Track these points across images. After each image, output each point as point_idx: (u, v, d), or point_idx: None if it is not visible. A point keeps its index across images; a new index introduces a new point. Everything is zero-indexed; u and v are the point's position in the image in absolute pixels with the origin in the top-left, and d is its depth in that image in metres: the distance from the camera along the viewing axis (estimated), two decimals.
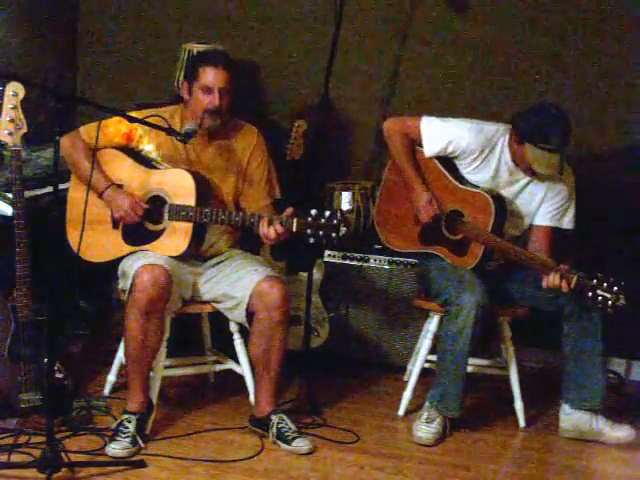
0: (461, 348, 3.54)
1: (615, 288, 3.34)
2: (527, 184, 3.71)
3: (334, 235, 3.23)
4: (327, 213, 3.24)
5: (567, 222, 3.75)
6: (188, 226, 3.48)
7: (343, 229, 3.23)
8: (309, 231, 3.26)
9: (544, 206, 3.71)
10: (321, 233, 3.24)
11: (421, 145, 3.75)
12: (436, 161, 3.75)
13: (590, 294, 3.37)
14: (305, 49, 4.64)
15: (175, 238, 3.50)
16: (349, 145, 4.61)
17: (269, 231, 3.33)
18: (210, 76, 3.50)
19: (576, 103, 4.31)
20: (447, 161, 3.75)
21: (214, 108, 3.50)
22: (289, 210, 3.33)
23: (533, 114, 3.56)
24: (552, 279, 3.44)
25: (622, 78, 4.31)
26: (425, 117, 3.74)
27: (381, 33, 4.56)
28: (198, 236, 3.53)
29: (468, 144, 3.66)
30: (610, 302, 3.34)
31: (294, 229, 3.29)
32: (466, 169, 3.72)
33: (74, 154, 3.58)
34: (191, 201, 3.46)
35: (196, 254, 3.61)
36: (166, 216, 3.51)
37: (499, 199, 3.65)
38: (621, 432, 3.60)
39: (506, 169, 3.69)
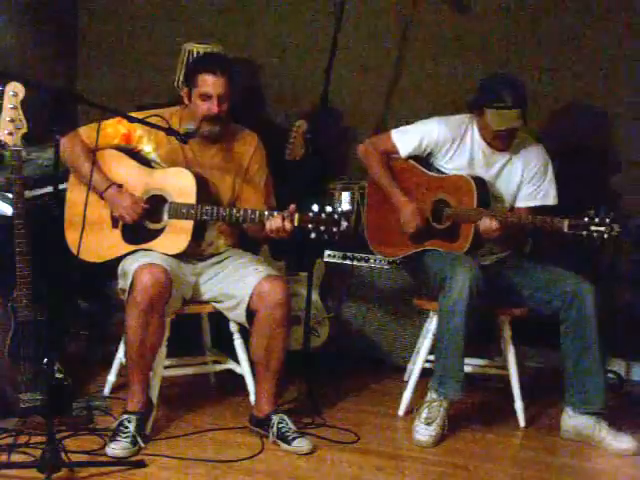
0: (457, 324, 3.53)
1: (607, 220, 3.39)
2: (504, 165, 3.79)
3: (335, 230, 3.27)
4: (328, 208, 3.27)
5: (551, 198, 3.82)
6: (188, 224, 3.49)
7: (344, 224, 3.26)
8: (310, 226, 3.29)
9: (525, 187, 3.80)
10: (322, 228, 3.28)
11: (397, 153, 3.85)
12: (412, 161, 3.85)
13: (585, 233, 3.41)
14: (305, 49, 4.64)
15: (175, 236, 3.51)
16: (349, 145, 4.61)
17: (270, 224, 3.35)
18: (208, 83, 3.51)
19: (577, 100, 4.33)
20: (424, 160, 3.85)
21: (213, 115, 3.52)
22: (292, 206, 3.35)
23: (484, 84, 3.73)
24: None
25: (626, 76, 4.32)
26: (394, 129, 3.89)
27: (381, 33, 4.57)
28: (198, 234, 3.53)
29: (439, 134, 3.77)
30: (606, 235, 3.39)
31: (296, 223, 3.32)
32: (442, 160, 3.81)
33: (74, 155, 3.58)
34: (192, 199, 3.47)
35: (196, 252, 3.62)
36: (166, 214, 3.52)
37: (477, 177, 3.74)
38: (624, 444, 3.56)
39: (480, 152, 3.78)
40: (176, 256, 3.53)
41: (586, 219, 3.41)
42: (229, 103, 3.56)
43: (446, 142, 3.77)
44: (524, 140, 3.83)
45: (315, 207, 3.29)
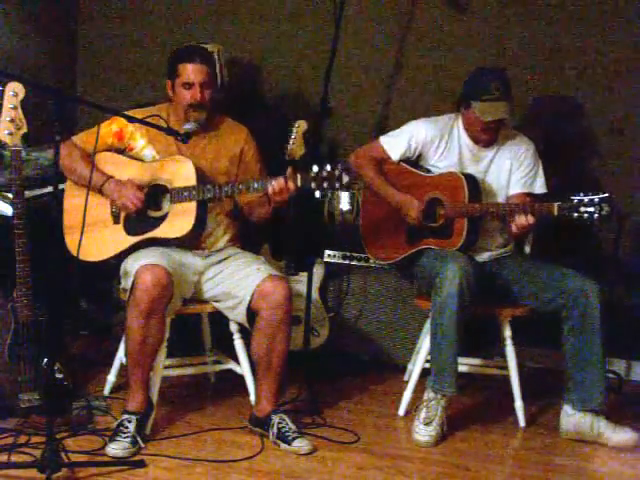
0: (448, 319, 3.54)
1: (596, 200, 3.41)
2: (492, 159, 3.84)
3: (338, 185, 3.30)
4: (328, 166, 3.30)
5: (539, 187, 3.86)
6: (191, 206, 3.50)
7: (346, 178, 3.30)
8: (313, 184, 3.32)
9: (514, 176, 3.84)
10: (325, 185, 3.31)
11: (388, 158, 3.89)
12: (404, 164, 3.90)
13: (576, 215, 3.44)
14: (305, 49, 4.64)
15: (179, 219, 3.52)
16: (349, 145, 4.60)
17: (273, 186, 3.36)
18: (189, 72, 3.57)
19: (577, 100, 4.34)
20: (414, 163, 3.90)
21: (197, 102, 3.57)
22: (290, 169, 3.39)
23: (471, 78, 3.77)
24: (519, 219, 3.53)
25: (626, 77, 4.32)
26: (382, 136, 3.96)
27: (381, 33, 4.57)
28: (201, 215, 3.53)
29: (426, 134, 3.83)
30: (596, 215, 3.41)
31: (299, 184, 3.35)
32: (433, 160, 3.86)
33: (70, 160, 3.60)
34: (192, 182, 3.50)
35: (199, 238, 3.62)
36: (168, 201, 3.52)
37: (468, 173, 3.78)
38: (623, 435, 3.59)
39: (467, 150, 3.83)
40: (176, 253, 3.54)
41: (575, 200, 3.43)
42: (212, 91, 3.61)
43: (434, 141, 3.82)
44: (510, 133, 3.87)
45: (315, 167, 3.32)
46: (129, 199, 3.52)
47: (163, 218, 3.55)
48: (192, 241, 3.59)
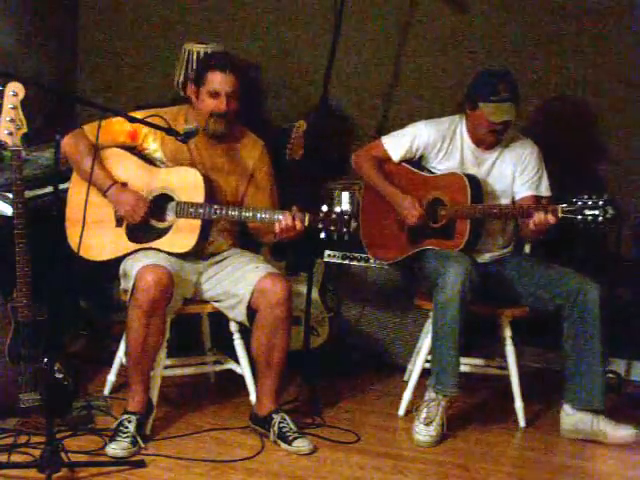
0: (450, 319, 3.54)
1: (601, 202, 3.40)
2: (494, 162, 3.83)
3: (345, 230, 3.31)
4: (337, 209, 3.31)
5: (544, 189, 3.85)
6: (196, 223, 3.49)
7: (354, 224, 3.31)
8: (320, 225, 3.31)
9: (518, 179, 3.83)
10: (332, 228, 3.31)
11: (389, 159, 3.89)
12: (406, 165, 3.90)
13: (579, 217, 3.42)
14: (305, 49, 4.64)
15: (183, 235, 3.51)
16: (349, 145, 4.61)
17: (280, 224, 3.36)
18: (217, 81, 3.53)
19: (577, 101, 4.34)
20: (416, 163, 3.90)
21: (221, 112, 3.53)
22: (295, 208, 3.38)
23: (477, 79, 3.77)
24: (538, 217, 3.50)
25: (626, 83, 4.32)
26: (384, 136, 3.96)
27: (381, 33, 4.56)
28: (205, 232, 3.54)
29: (429, 136, 3.82)
30: (600, 218, 3.39)
31: (306, 223, 3.34)
32: (434, 162, 3.85)
33: (77, 152, 3.57)
34: (200, 198, 3.48)
35: (198, 251, 3.61)
36: (172, 213, 3.51)
37: (470, 174, 3.77)
38: (623, 432, 3.60)
39: (470, 152, 3.83)
40: (178, 255, 3.53)
41: (579, 203, 3.42)
42: (237, 103, 3.57)
43: (437, 143, 3.81)
44: (513, 135, 3.86)
45: (324, 207, 3.32)
46: (131, 212, 3.50)
47: (166, 230, 3.54)
48: (194, 254, 3.59)
